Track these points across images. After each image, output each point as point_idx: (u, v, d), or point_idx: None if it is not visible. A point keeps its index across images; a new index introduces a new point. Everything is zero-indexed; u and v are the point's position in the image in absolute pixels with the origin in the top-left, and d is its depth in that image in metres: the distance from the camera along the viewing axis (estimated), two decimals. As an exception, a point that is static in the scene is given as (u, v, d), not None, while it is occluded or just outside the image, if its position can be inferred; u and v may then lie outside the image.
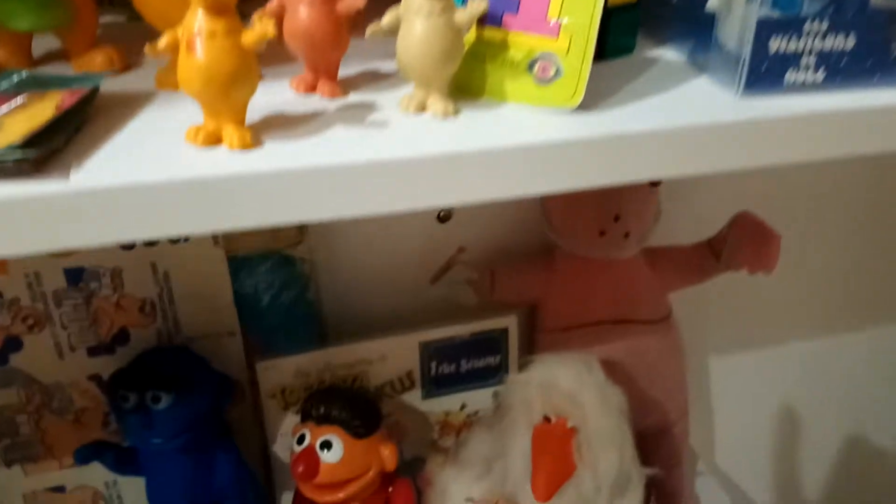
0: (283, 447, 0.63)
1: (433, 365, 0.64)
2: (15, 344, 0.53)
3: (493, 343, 0.65)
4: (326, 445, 0.54)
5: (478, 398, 0.66)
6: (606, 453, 0.51)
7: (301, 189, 0.32)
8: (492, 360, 0.65)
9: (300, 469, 0.53)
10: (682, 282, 0.63)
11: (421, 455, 0.64)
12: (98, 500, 0.62)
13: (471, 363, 0.65)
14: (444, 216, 0.63)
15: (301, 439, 0.55)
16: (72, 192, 0.29)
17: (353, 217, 0.34)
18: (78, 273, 0.52)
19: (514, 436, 0.54)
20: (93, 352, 0.55)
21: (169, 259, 0.53)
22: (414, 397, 0.65)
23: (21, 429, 0.57)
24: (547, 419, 0.52)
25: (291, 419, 0.61)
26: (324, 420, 0.55)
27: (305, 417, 0.56)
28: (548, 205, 0.59)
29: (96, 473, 0.61)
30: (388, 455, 0.56)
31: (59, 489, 0.61)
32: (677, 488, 0.69)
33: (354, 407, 0.56)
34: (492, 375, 0.66)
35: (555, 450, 0.51)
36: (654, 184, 0.56)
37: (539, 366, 0.52)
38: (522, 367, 0.54)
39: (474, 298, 0.61)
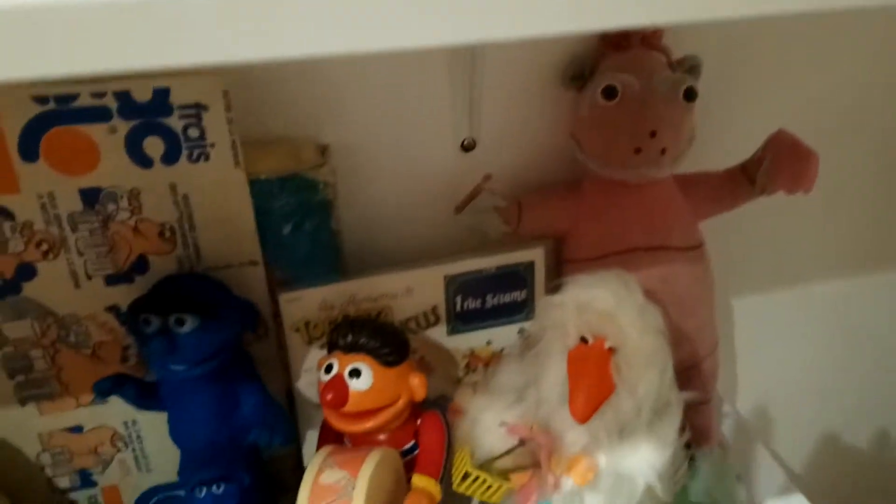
0: (307, 384, 0.61)
1: (458, 299, 0.62)
2: (28, 272, 0.51)
3: (519, 277, 0.63)
4: (355, 373, 0.53)
5: (503, 334, 0.64)
6: (646, 374, 0.49)
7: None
8: (518, 295, 0.64)
9: (329, 397, 0.52)
10: (714, 207, 0.61)
11: (446, 393, 0.63)
12: (116, 440, 0.60)
13: (496, 298, 0.63)
14: (468, 145, 0.61)
15: (329, 368, 0.54)
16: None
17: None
18: (94, 194, 0.50)
19: (548, 361, 0.52)
20: (110, 280, 0.53)
21: (188, 181, 0.51)
22: (439, 333, 0.63)
23: (36, 364, 0.55)
24: (583, 340, 0.50)
25: (315, 354, 0.60)
26: (352, 348, 0.53)
27: (332, 347, 0.55)
28: (579, 126, 0.57)
29: (115, 412, 0.59)
30: (417, 384, 0.55)
31: (77, 429, 0.59)
32: (705, 426, 0.68)
33: (383, 335, 0.54)
34: (518, 311, 0.64)
35: (593, 370, 0.49)
36: (690, 99, 0.54)
37: (574, 286, 0.50)
38: (555, 290, 0.52)
39: (502, 227, 0.59)
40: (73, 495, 0.62)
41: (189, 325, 0.48)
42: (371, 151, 0.59)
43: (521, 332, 0.65)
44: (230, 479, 0.51)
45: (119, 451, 0.61)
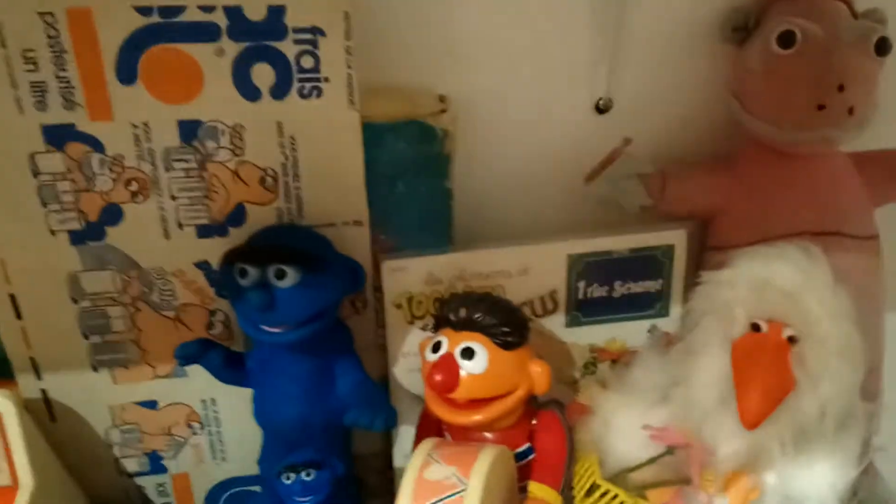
0: (406, 370, 0.53)
1: (581, 285, 0.54)
2: (115, 215, 0.46)
3: (655, 263, 0.54)
4: (468, 353, 0.45)
5: (631, 331, 0.56)
6: (837, 368, 0.40)
7: None
8: (652, 285, 0.55)
9: (438, 378, 0.44)
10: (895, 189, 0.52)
11: (559, 398, 0.54)
12: (192, 420, 0.54)
13: (627, 286, 0.55)
14: (603, 106, 0.53)
15: (437, 347, 0.46)
16: None
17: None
18: (194, 127, 0.44)
19: (704, 354, 0.43)
20: (203, 232, 0.47)
21: (297, 119, 0.45)
22: (556, 324, 0.55)
23: (113, 324, 0.49)
24: (755, 328, 0.41)
25: (416, 336, 0.52)
26: (465, 325, 0.46)
27: (441, 324, 0.47)
28: (745, 82, 0.49)
29: (193, 388, 0.53)
30: (539, 373, 0.47)
31: (151, 404, 0.53)
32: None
33: (501, 311, 0.46)
34: (649, 305, 0.55)
35: (768, 362, 0.40)
36: (883, 52, 0.46)
37: (748, 260, 0.42)
38: (717, 267, 0.43)
39: (643, 198, 0.51)
40: (141, 481, 0.56)
41: (290, 278, 0.41)
42: (494, 106, 0.52)
43: (651, 329, 0.56)
44: (322, 466, 0.44)
45: (194, 433, 0.55)
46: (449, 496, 0.41)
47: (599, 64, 0.52)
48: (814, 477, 0.42)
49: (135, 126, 0.44)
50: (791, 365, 0.40)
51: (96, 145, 0.44)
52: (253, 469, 0.53)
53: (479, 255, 0.52)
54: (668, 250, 0.54)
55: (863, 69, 0.45)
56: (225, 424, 0.54)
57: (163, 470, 0.56)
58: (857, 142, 0.51)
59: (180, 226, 0.47)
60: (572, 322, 0.55)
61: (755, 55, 0.48)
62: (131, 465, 0.55)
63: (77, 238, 0.46)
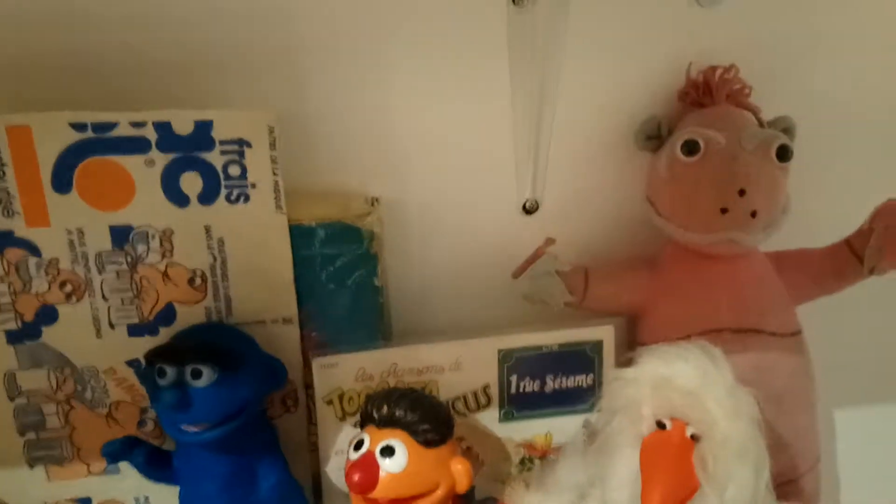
0: (338, 468, 0.54)
1: (514, 379, 0.55)
2: (49, 315, 0.48)
3: (584, 358, 0.55)
4: (388, 452, 0.46)
5: (564, 426, 0.56)
6: (738, 470, 0.40)
7: None
8: (582, 380, 0.56)
9: (356, 478, 0.45)
10: (815, 289, 0.53)
11: (495, 494, 0.54)
12: (126, 517, 0.54)
13: (558, 381, 0.55)
14: (530, 207, 0.56)
15: (359, 445, 0.47)
16: None
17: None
18: (125, 233, 0.47)
19: (617, 453, 0.44)
20: (134, 331, 0.49)
21: (225, 223, 0.47)
22: (490, 418, 0.55)
23: (48, 421, 0.50)
24: (660, 425, 0.42)
25: (348, 433, 0.53)
26: (387, 423, 0.47)
27: (365, 421, 0.48)
28: (655, 186, 0.51)
29: (127, 485, 0.53)
30: (460, 471, 0.47)
31: (85, 501, 0.53)
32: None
33: (423, 408, 0.47)
34: (582, 399, 0.56)
35: (671, 462, 0.40)
36: (784, 158, 0.48)
37: (651, 359, 0.43)
38: (627, 364, 0.44)
39: (565, 296, 0.53)
40: (74, 581, 0.55)
41: (206, 378, 0.43)
42: (424, 207, 0.54)
43: (585, 424, 0.56)
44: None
45: (128, 532, 0.55)
46: None
47: (525, 168, 0.55)
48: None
49: (69, 232, 0.46)
50: (694, 465, 0.40)
51: (33, 250, 0.46)
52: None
53: (411, 351, 0.53)
54: (597, 345, 0.55)
55: (764, 174, 0.48)
56: (159, 520, 0.55)
57: (96, 568, 0.55)
58: (774, 242, 0.53)
59: (112, 325, 0.48)
60: (506, 417, 0.55)
61: (664, 162, 0.50)
62: (64, 565, 0.55)
63: (14, 337, 0.48)
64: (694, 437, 0.41)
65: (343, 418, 0.53)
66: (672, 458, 0.40)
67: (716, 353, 0.42)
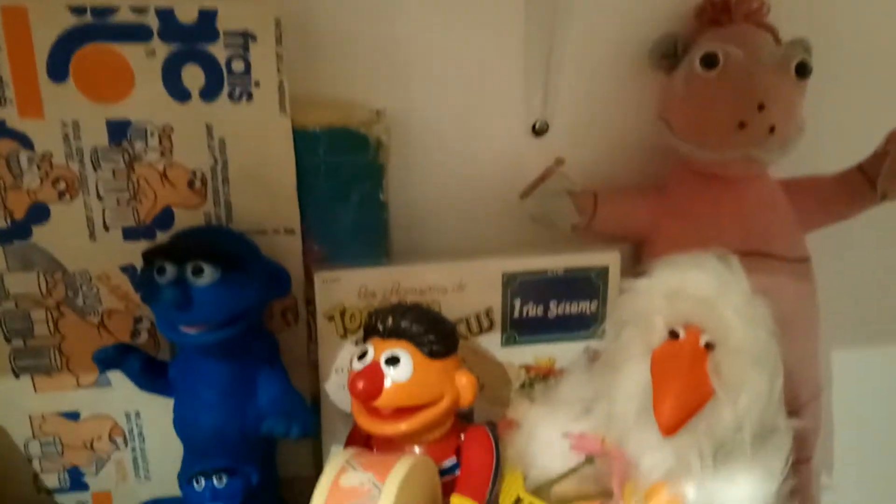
0: (338, 386, 0.53)
1: (517, 303, 0.54)
2: (41, 214, 0.46)
3: (589, 284, 0.54)
4: (393, 361, 0.45)
5: (567, 352, 0.55)
6: (752, 378, 0.40)
7: None
8: (586, 307, 0.55)
9: (360, 385, 0.44)
10: (826, 215, 0.53)
11: (495, 419, 0.53)
12: (115, 434, 0.53)
13: (562, 307, 0.55)
14: (539, 128, 0.54)
15: (363, 355, 0.46)
16: None
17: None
18: (122, 128, 0.44)
19: (626, 366, 0.43)
20: (130, 234, 0.47)
21: (227, 122, 0.45)
22: (492, 342, 0.54)
23: (37, 328, 0.49)
24: (673, 335, 0.41)
25: (349, 351, 0.52)
26: (392, 333, 0.46)
27: (369, 333, 0.47)
28: (671, 104, 0.50)
29: (117, 399, 0.52)
30: (465, 384, 0.46)
31: (73, 416, 0.51)
32: (804, 491, 0.57)
33: (428, 321, 0.46)
34: (585, 326, 0.55)
35: (683, 368, 0.40)
36: (803, 75, 0.47)
37: (665, 268, 0.42)
38: (638, 275, 0.44)
39: (573, 217, 0.52)
40: (61, 498, 0.54)
41: (207, 276, 0.41)
42: (431, 125, 0.53)
43: (586, 350, 0.56)
44: (235, 473, 0.42)
45: (117, 448, 0.53)
46: (361, 501, 0.40)
47: (536, 87, 0.53)
48: (735, 491, 0.41)
49: (64, 124, 0.44)
50: (708, 372, 0.40)
51: (25, 142, 0.44)
52: (178, 490, 0.51)
53: (415, 270, 0.52)
54: (603, 272, 0.54)
55: (783, 90, 0.47)
56: (149, 440, 0.53)
57: (84, 487, 0.54)
58: (786, 168, 0.52)
59: (106, 227, 0.46)
60: (508, 341, 0.55)
61: (681, 78, 0.49)
62: (51, 480, 0.53)
63: (3, 237, 0.46)
64: (708, 346, 0.40)
65: (344, 335, 0.52)
66: (685, 366, 0.40)
67: (732, 261, 0.41)
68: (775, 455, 0.42)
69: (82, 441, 0.52)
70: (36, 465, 0.52)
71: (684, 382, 0.39)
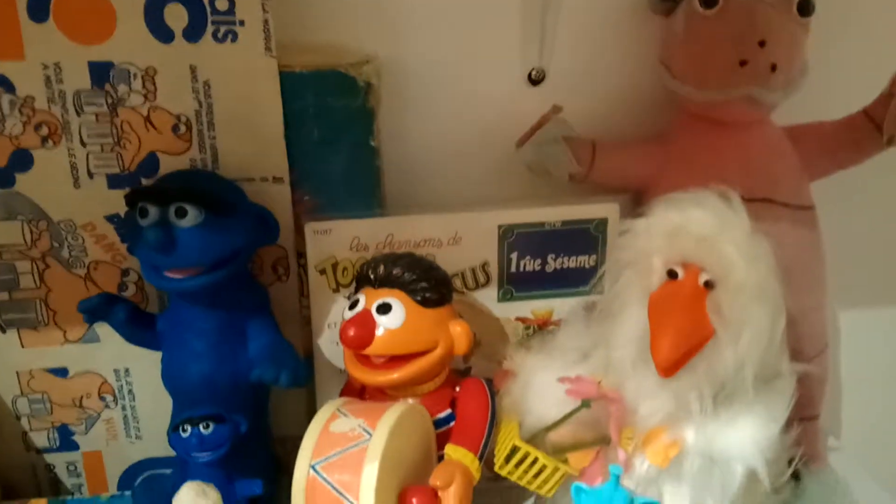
0: (331, 342, 0.51)
1: (514, 257, 0.52)
2: (24, 160, 0.45)
3: (587, 237, 0.53)
4: (385, 308, 0.43)
5: (565, 308, 0.54)
6: (754, 315, 0.38)
7: None
8: (585, 260, 0.54)
9: (351, 332, 0.42)
10: (831, 162, 0.51)
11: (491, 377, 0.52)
12: (105, 392, 0.52)
13: (559, 260, 0.53)
14: (536, 77, 0.53)
15: (354, 305, 0.45)
16: None
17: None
18: (105, 70, 0.43)
19: (623, 311, 0.42)
20: (114, 182, 0.46)
21: (211, 63, 0.44)
22: (488, 298, 0.53)
23: (22, 281, 0.48)
24: (672, 274, 0.40)
25: (341, 305, 0.50)
26: (384, 282, 0.44)
27: (361, 283, 0.46)
28: (670, 46, 0.49)
29: (106, 355, 0.51)
30: (459, 333, 0.45)
31: (61, 372, 0.51)
32: (811, 448, 0.55)
33: (421, 268, 0.45)
34: (584, 280, 0.54)
35: (682, 309, 0.38)
36: (805, 13, 0.46)
37: (664, 207, 0.41)
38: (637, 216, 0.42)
39: (570, 165, 0.50)
40: (50, 458, 0.53)
41: (191, 218, 0.40)
42: (424, 72, 0.51)
43: (583, 303, 0.54)
44: (223, 420, 0.41)
45: (107, 406, 0.52)
46: (352, 447, 0.39)
47: (532, 34, 0.52)
48: (736, 434, 0.39)
49: (46, 66, 0.43)
50: (708, 312, 0.38)
51: (7, 85, 0.43)
52: (171, 450, 0.50)
53: (409, 221, 0.51)
54: (601, 224, 0.53)
55: (785, 27, 0.45)
56: (139, 399, 0.52)
57: (74, 447, 0.53)
58: (789, 114, 0.51)
59: (90, 175, 0.45)
60: (505, 296, 0.53)
61: (680, 19, 0.48)
62: (40, 439, 0.52)
63: (-15, 185, 0.45)
64: (708, 285, 0.39)
65: (336, 290, 0.51)
66: (683, 305, 0.38)
67: (733, 198, 0.40)
68: (778, 399, 0.40)
69: (71, 398, 0.51)
70: (25, 423, 0.52)
71: (682, 320, 0.38)
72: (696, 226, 0.39)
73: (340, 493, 0.37)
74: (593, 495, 0.35)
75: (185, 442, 0.41)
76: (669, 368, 0.38)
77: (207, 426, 0.41)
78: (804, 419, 0.53)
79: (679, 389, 0.39)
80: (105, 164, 0.45)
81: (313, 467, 0.38)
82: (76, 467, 0.53)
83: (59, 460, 0.53)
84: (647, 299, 0.40)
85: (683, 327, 0.38)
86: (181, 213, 0.40)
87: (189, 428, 0.41)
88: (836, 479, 0.53)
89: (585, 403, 0.41)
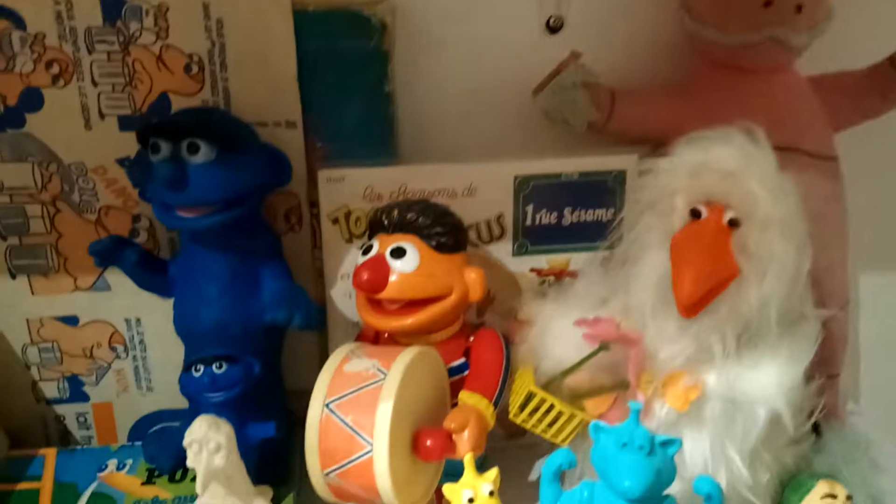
0: (344, 294, 0.51)
1: (530, 210, 0.51)
2: (34, 100, 0.44)
3: (605, 190, 0.52)
4: (398, 253, 0.43)
5: (580, 262, 0.53)
6: (781, 249, 0.37)
7: None
8: (602, 214, 0.52)
9: (364, 276, 0.42)
10: (856, 113, 0.50)
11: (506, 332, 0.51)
12: (116, 342, 0.51)
13: (576, 214, 0.52)
14: (554, 24, 0.52)
15: (367, 250, 0.44)
16: None
17: None
18: (117, 5, 0.43)
19: (643, 255, 0.41)
20: (125, 123, 0.45)
21: (225, 1, 0.43)
22: (503, 251, 0.52)
23: (32, 225, 0.47)
24: (695, 214, 0.39)
25: (355, 256, 0.50)
26: (398, 227, 0.44)
27: (375, 230, 0.45)
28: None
29: (117, 304, 0.50)
30: (474, 279, 0.44)
31: (72, 320, 0.50)
32: (832, 406, 0.54)
33: (435, 214, 0.44)
34: (600, 235, 0.52)
35: (704, 245, 0.37)
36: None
37: (688, 146, 0.40)
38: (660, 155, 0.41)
39: (589, 112, 0.49)
40: (60, 409, 0.53)
41: (203, 154, 0.39)
42: (440, 18, 0.50)
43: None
44: (236, 361, 0.41)
45: (118, 357, 0.52)
46: (367, 385, 0.38)
47: (550, -20, 0.51)
48: (760, 376, 0.38)
49: (57, 2, 0.42)
50: (732, 250, 0.37)
51: (17, 21, 0.43)
52: (182, 403, 0.50)
53: (423, 171, 0.50)
54: (620, 176, 0.52)
55: (810, -32, 0.44)
56: (151, 349, 0.52)
57: (84, 398, 0.52)
58: (813, 64, 0.49)
59: (102, 115, 0.45)
60: (520, 250, 0.52)
61: (702, -41, 0.47)
62: (50, 390, 0.52)
63: (-4, 124, 0.45)
64: (732, 223, 0.38)
65: (349, 240, 0.50)
66: (707, 242, 0.37)
67: (758, 134, 0.39)
68: (802, 341, 0.39)
69: (81, 348, 0.51)
70: (35, 372, 0.51)
71: (706, 257, 0.37)
72: (720, 162, 0.38)
73: (355, 431, 0.37)
74: (612, 433, 0.34)
75: (196, 382, 0.40)
76: (692, 307, 0.37)
77: (220, 366, 0.40)
78: (826, 377, 0.53)
79: (700, 332, 0.38)
80: (116, 104, 0.45)
81: (327, 406, 0.38)
82: (86, 419, 0.53)
83: (69, 411, 0.53)
84: (668, 242, 0.39)
85: (707, 265, 0.37)
86: (193, 149, 0.39)
87: (202, 367, 0.40)
88: (856, 436, 0.52)
89: (604, 346, 0.40)
